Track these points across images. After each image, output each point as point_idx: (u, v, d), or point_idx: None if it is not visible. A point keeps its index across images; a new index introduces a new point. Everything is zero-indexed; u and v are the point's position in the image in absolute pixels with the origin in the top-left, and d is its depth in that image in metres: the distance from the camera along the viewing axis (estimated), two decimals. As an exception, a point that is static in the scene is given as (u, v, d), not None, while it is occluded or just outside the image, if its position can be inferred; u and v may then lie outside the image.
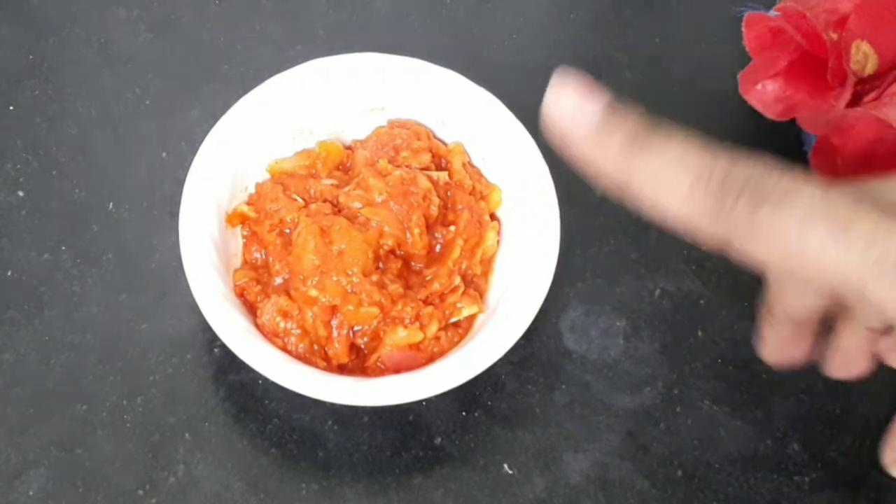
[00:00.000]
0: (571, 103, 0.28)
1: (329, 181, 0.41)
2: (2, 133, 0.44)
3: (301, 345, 0.38)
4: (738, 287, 0.43)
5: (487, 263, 0.41)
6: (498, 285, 0.40)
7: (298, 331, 0.38)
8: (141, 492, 0.38)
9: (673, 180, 0.27)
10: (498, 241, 0.41)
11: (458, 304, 0.39)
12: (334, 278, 0.37)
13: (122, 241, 0.42)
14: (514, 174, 0.41)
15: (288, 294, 0.38)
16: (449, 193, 0.41)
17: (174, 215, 0.38)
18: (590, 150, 0.28)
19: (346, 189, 0.40)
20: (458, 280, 0.39)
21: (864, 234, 0.26)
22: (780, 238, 0.26)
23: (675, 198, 0.27)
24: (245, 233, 0.40)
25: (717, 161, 0.27)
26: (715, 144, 0.27)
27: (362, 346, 0.39)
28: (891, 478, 0.40)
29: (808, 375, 0.41)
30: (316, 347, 0.38)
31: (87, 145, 0.44)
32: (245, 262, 0.40)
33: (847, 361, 0.36)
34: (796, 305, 0.34)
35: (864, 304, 0.27)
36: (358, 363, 0.39)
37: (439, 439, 0.40)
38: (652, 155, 0.27)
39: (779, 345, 0.36)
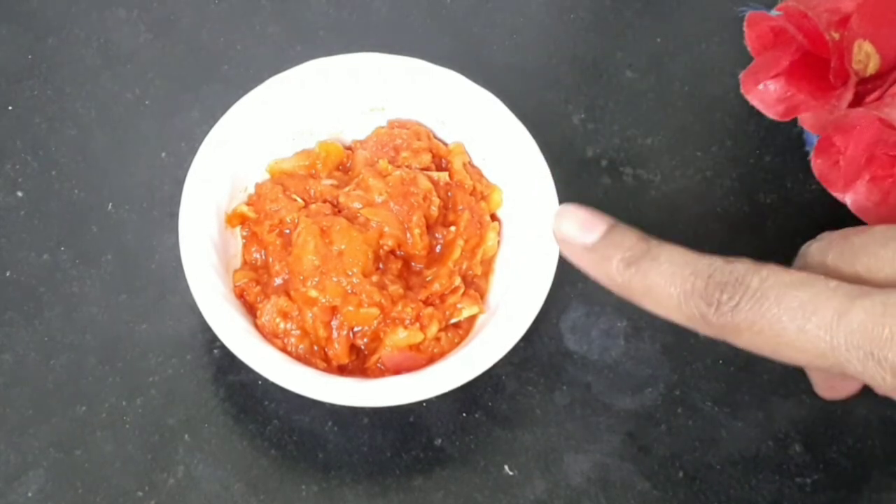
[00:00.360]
0: (574, 228, 0.33)
1: (329, 181, 0.41)
2: (1, 133, 0.44)
3: (301, 346, 0.38)
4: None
5: (488, 264, 0.41)
6: (498, 286, 0.40)
7: (298, 331, 0.38)
8: (140, 493, 0.38)
9: (664, 295, 0.31)
10: (498, 242, 0.41)
11: (459, 305, 0.39)
12: (334, 279, 0.37)
13: (121, 241, 0.42)
14: (514, 174, 0.41)
15: (288, 295, 0.38)
16: (449, 194, 0.41)
17: (174, 216, 0.38)
18: (592, 269, 0.33)
19: (346, 189, 0.40)
20: (458, 281, 0.39)
21: (830, 317, 0.28)
22: (759, 333, 0.29)
23: (668, 309, 0.31)
24: (245, 233, 0.40)
25: (699, 274, 0.31)
26: (700, 253, 0.31)
27: (362, 347, 0.38)
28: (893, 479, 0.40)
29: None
30: (316, 348, 0.38)
31: (87, 146, 0.44)
32: (245, 262, 0.40)
33: None
34: None
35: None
36: (358, 364, 0.38)
37: (439, 440, 0.40)
38: (645, 274, 0.31)
39: (827, 382, 0.38)
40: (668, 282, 0.31)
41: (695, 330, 0.31)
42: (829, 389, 0.39)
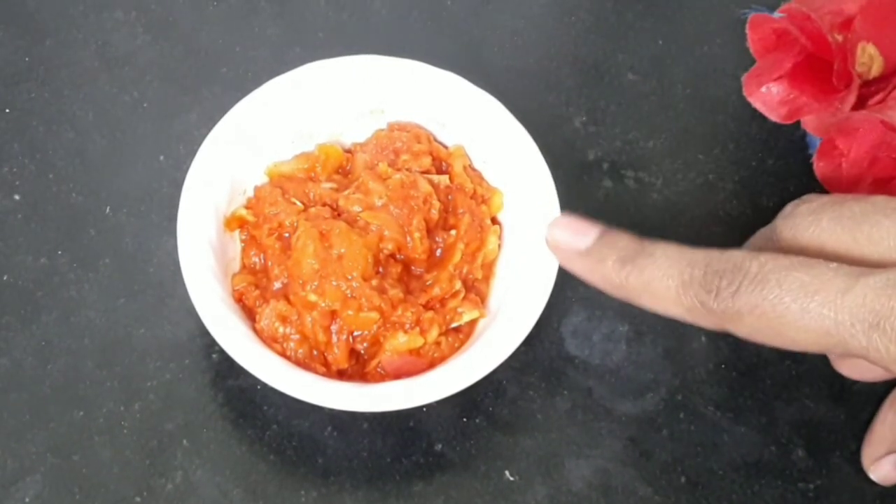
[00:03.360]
0: (567, 234, 0.34)
1: (328, 185, 0.40)
2: (-2, 136, 0.44)
3: (300, 350, 0.37)
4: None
5: (489, 268, 0.41)
6: (499, 290, 0.40)
7: (297, 336, 0.37)
8: (138, 499, 0.38)
9: (662, 288, 0.31)
10: (499, 245, 0.41)
11: (459, 309, 0.39)
12: (334, 283, 0.37)
13: (119, 245, 0.42)
14: (515, 177, 0.40)
15: (287, 299, 0.38)
16: (450, 197, 0.41)
17: (172, 219, 0.38)
18: (588, 272, 0.34)
19: (346, 193, 0.40)
20: (458, 284, 0.39)
21: (833, 294, 0.28)
22: (762, 316, 0.29)
23: (667, 302, 0.31)
24: (243, 237, 0.40)
25: (696, 264, 0.31)
26: (694, 246, 0.31)
27: (362, 352, 0.38)
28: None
29: (812, 381, 0.41)
30: (315, 353, 0.38)
31: (85, 148, 0.44)
32: (243, 266, 0.40)
33: None
34: None
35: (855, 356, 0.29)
36: (358, 369, 0.38)
37: (440, 445, 0.39)
38: (641, 270, 0.32)
39: (853, 367, 0.39)
40: (665, 274, 0.31)
41: (695, 323, 0.31)
42: (847, 366, 0.39)
